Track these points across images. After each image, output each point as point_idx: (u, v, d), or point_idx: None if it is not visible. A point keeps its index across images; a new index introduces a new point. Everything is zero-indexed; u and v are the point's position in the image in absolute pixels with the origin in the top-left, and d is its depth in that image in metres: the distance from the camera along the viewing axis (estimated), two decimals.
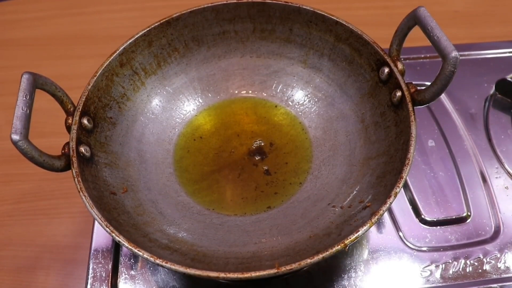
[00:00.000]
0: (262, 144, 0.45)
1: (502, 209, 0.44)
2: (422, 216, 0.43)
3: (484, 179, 0.46)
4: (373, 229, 0.43)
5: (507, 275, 0.40)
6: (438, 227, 0.43)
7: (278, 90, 0.47)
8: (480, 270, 0.40)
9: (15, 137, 0.32)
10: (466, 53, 0.56)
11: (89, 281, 0.40)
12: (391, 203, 0.32)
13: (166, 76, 0.46)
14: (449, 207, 0.44)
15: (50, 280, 0.44)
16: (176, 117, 0.46)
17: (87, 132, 0.38)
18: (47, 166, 0.34)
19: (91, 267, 0.41)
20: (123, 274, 0.41)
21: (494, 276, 0.40)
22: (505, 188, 0.45)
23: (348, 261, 0.41)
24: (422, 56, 0.56)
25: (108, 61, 0.41)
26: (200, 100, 0.47)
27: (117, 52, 0.41)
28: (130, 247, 0.31)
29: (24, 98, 0.33)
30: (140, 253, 0.31)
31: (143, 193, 0.40)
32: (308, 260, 0.30)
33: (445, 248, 0.41)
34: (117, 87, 0.42)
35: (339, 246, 0.30)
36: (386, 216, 0.44)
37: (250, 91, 0.48)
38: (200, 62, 0.47)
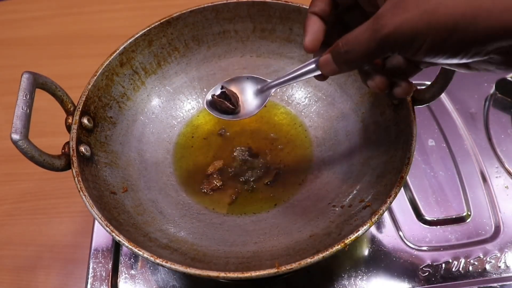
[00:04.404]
0: (262, 143, 0.44)
1: (502, 209, 0.44)
2: (422, 216, 0.43)
3: (484, 179, 0.46)
4: (373, 228, 0.43)
5: (507, 275, 0.40)
6: (438, 226, 0.43)
7: (278, 90, 0.47)
8: (480, 270, 0.40)
9: (15, 136, 0.32)
10: None
11: (89, 280, 0.40)
12: (391, 202, 0.32)
13: (166, 75, 0.46)
14: (449, 207, 0.44)
15: (50, 279, 0.44)
16: (176, 117, 0.46)
17: (87, 132, 0.38)
18: (47, 165, 0.34)
19: (91, 266, 0.41)
20: (123, 273, 0.41)
21: (494, 276, 0.40)
22: (505, 187, 0.45)
23: (348, 260, 0.41)
24: None
25: (108, 61, 0.41)
26: (200, 100, 0.47)
27: (117, 51, 0.41)
28: (130, 246, 0.31)
29: (24, 98, 0.33)
30: (140, 253, 0.31)
31: (143, 193, 0.40)
32: (308, 260, 0.30)
33: (445, 248, 0.41)
34: (117, 87, 0.42)
35: (339, 246, 0.30)
36: (386, 215, 0.43)
37: None
38: (200, 61, 0.47)
